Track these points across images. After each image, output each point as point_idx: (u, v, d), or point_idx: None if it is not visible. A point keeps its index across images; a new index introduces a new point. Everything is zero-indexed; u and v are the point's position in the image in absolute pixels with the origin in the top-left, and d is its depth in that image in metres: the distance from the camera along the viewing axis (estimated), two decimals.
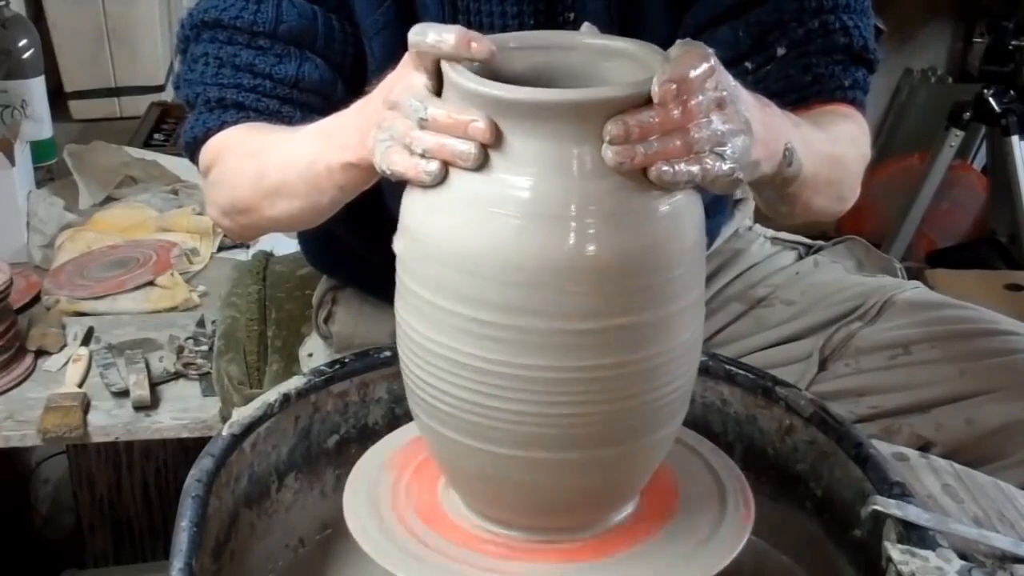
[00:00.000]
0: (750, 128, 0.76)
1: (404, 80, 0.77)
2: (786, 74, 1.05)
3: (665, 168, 0.70)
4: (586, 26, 0.80)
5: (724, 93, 0.74)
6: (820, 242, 1.34)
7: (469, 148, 0.71)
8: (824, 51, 1.06)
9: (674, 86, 0.69)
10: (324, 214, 0.96)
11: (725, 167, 0.73)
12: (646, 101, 0.70)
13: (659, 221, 0.71)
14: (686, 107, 0.71)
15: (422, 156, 0.73)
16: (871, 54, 1.09)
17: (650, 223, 0.71)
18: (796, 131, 0.89)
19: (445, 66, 0.74)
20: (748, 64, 1.05)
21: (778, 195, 0.94)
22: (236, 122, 1.06)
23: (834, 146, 0.99)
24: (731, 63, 1.03)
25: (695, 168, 0.71)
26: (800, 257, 1.32)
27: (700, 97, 0.72)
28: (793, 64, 1.05)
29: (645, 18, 1.08)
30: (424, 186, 0.74)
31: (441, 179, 0.73)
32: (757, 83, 0.91)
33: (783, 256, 1.31)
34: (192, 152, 1.12)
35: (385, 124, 0.77)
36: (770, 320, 1.24)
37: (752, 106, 0.79)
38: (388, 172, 0.76)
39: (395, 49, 1.01)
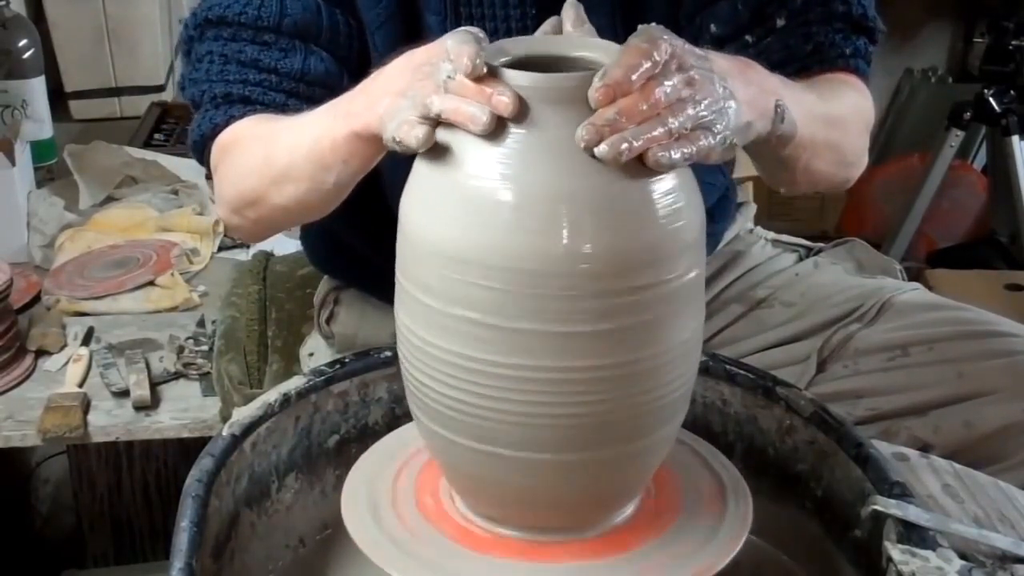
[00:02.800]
0: (732, 95, 0.77)
1: (440, 53, 0.76)
2: (786, 44, 1.05)
3: (661, 153, 0.70)
4: (569, 3, 0.80)
5: (692, 73, 0.74)
6: (821, 244, 1.34)
7: (482, 114, 0.70)
8: (823, 19, 1.06)
9: (609, 89, 0.70)
10: (331, 199, 0.95)
11: (716, 139, 0.74)
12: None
13: (658, 218, 0.71)
14: (650, 98, 0.71)
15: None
16: (871, 22, 1.09)
17: (649, 220, 0.71)
18: (786, 90, 0.89)
19: None
20: (748, 37, 1.06)
21: (776, 160, 0.94)
22: (243, 116, 1.06)
23: (828, 106, 0.98)
24: (731, 37, 1.04)
25: (688, 149, 0.72)
26: (800, 259, 1.31)
27: (665, 84, 0.72)
28: (793, 34, 1.06)
29: (647, 1, 1.08)
30: (410, 151, 0.74)
31: (427, 144, 0.73)
32: (758, 55, 0.91)
33: (783, 258, 1.31)
34: (200, 151, 1.11)
35: (411, 92, 0.76)
36: (769, 322, 1.24)
37: (730, 72, 0.80)
38: (396, 140, 0.76)
39: (397, 43, 1.01)
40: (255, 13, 1.06)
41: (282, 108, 1.05)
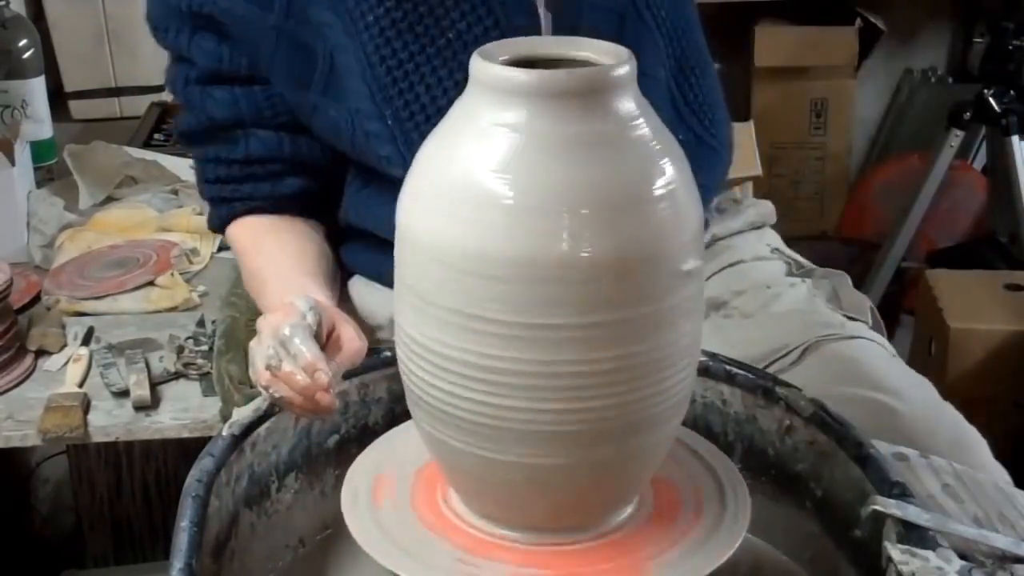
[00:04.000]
0: None
1: (292, 317, 0.90)
2: None
3: None
4: None
5: None
6: (815, 267, 1.28)
7: (307, 404, 0.86)
8: None
9: None
10: None
11: None
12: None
13: (656, 215, 0.71)
14: None
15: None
16: None
17: (648, 219, 0.71)
18: None
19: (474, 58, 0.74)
20: None
21: None
22: (231, 216, 1.25)
23: None
24: None
25: None
26: (789, 273, 1.26)
27: None
28: None
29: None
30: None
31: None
32: None
33: (770, 266, 1.27)
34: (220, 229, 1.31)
35: (255, 353, 0.91)
36: (719, 334, 1.18)
37: None
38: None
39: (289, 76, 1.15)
40: (196, 122, 1.22)
41: (249, 198, 1.23)
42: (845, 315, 1.21)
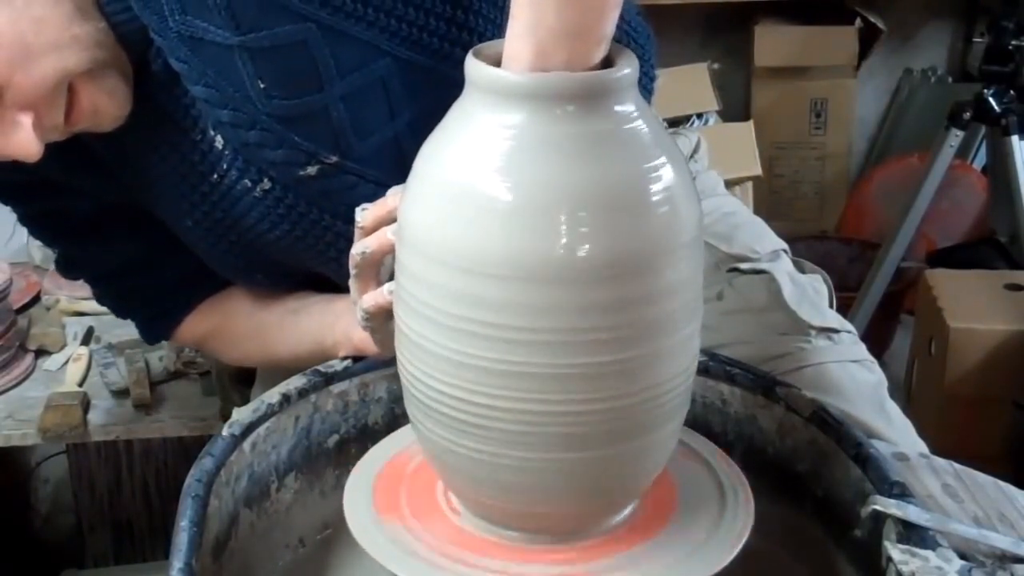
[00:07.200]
0: None
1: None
2: None
3: None
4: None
5: None
6: (740, 266, 1.21)
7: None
8: None
9: None
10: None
11: None
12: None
13: (654, 215, 0.71)
14: None
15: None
16: None
17: (648, 218, 0.71)
18: None
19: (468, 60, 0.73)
20: None
21: None
22: (178, 322, 1.16)
23: None
24: None
25: None
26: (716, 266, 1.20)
27: None
28: None
29: None
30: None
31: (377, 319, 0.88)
32: None
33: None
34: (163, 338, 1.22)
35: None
36: None
37: None
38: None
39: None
40: (106, 264, 1.15)
41: (188, 303, 1.16)
42: None
